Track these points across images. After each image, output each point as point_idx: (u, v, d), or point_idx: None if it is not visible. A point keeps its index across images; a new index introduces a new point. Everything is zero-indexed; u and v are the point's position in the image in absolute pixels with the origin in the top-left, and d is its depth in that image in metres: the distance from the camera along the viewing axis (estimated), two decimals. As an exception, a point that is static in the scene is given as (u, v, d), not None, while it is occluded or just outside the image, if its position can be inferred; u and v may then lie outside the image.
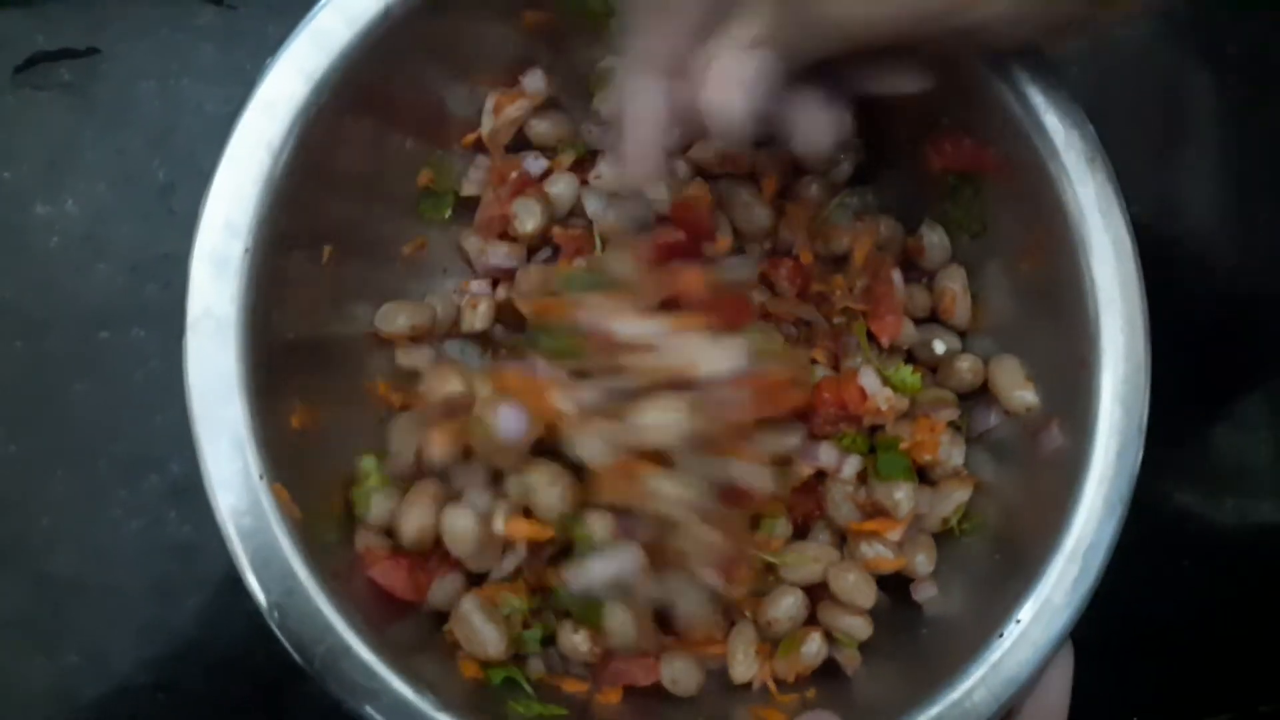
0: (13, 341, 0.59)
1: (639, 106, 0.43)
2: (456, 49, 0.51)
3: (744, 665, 0.50)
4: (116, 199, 0.60)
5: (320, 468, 0.48)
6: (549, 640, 0.50)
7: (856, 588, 0.50)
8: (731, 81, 0.40)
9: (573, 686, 0.50)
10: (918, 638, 0.50)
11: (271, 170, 0.44)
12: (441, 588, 0.48)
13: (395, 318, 0.51)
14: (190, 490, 0.58)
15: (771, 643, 0.51)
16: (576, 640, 0.49)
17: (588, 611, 0.47)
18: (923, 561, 0.51)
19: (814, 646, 0.50)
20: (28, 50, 0.60)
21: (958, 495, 0.52)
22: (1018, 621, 0.45)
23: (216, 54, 0.61)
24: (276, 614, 0.42)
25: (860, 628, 0.50)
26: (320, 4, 0.45)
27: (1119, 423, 0.46)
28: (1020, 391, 0.50)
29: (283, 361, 0.46)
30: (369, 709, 0.42)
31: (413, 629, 0.48)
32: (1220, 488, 0.63)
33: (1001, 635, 0.45)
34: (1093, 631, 0.48)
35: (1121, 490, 0.46)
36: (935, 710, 0.44)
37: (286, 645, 0.42)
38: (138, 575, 0.58)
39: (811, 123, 0.43)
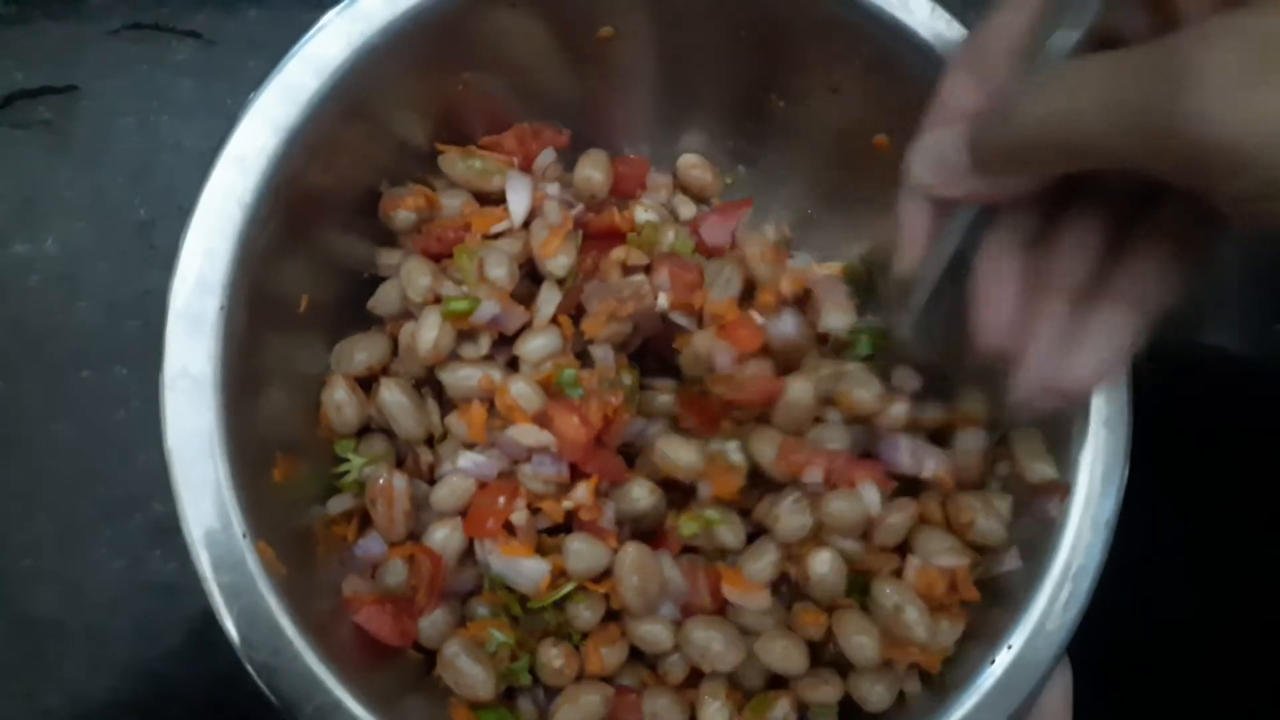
0: (-9, 381, 0.58)
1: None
2: (421, 93, 0.50)
3: (713, 714, 0.49)
4: (96, 236, 0.60)
5: (303, 518, 0.48)
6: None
7: (786, 655, 0.49)
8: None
9: None
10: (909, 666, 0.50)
11: (245, 225, 0.44)
12: (432, 625, 0.48)
13: (352, 355, 0.50)
14: (173, 530, 0.56)
15: (743, 694, 0.50)
16: (552, 655, 0.48)
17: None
18: None
19: (781, 712, 0.49)
20: (7, 88, 0.60)
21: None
22: (1009, 648, 0.45)
23: (195, 89, 0.61)
24: (265, 674, 0.42)
25: (829, 695, 0.49)
26: (288, 56, 0.45)
27: (1104, 444, 0.46)
28: (1040, 464, 0.48)
29: (262, 415, 0.46)
30: None
31: (402, 677, 0.48)
32: (1210, 507, 0.63)
33: (993, 663, 0.45)
34: (1085, 652, 0.48)
35: (1108, 512, 0.46)
36: None
37: (276, 704, 0.42)
38: (120, 615, 0.58)
39: None
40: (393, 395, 0.49)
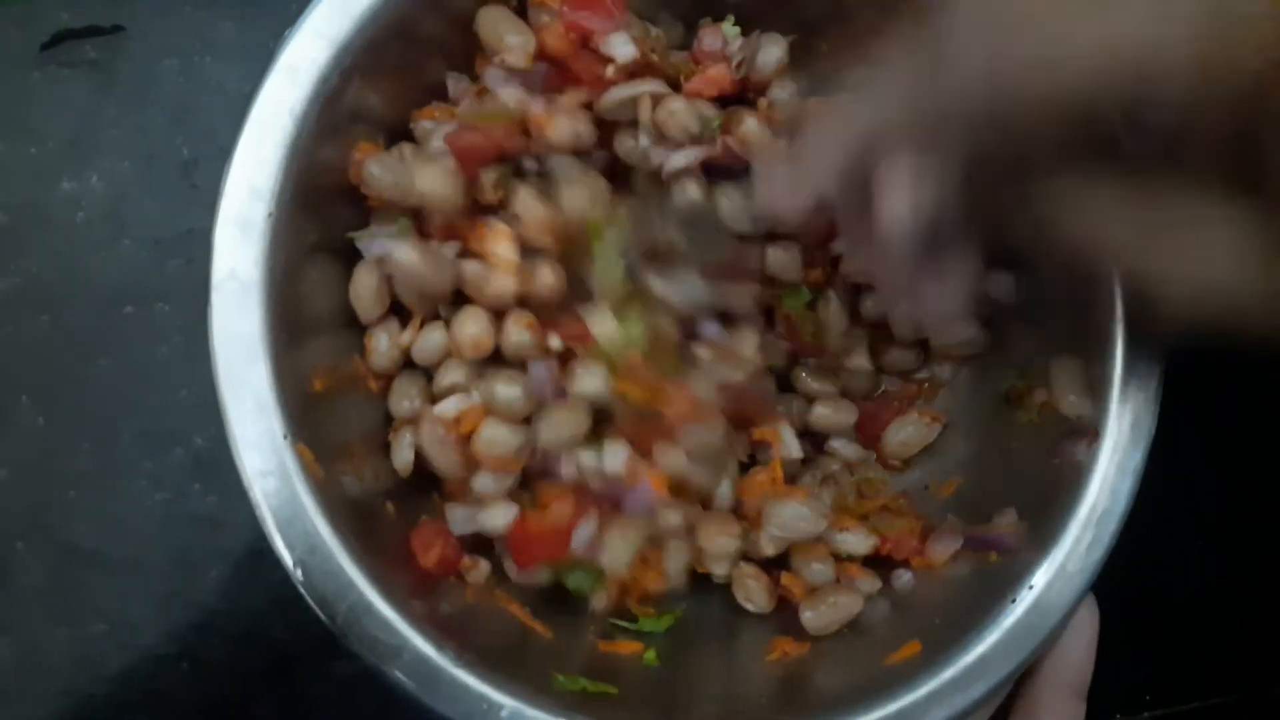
0: (39, 316, 0.60)
1: (822, 152, 0.41)
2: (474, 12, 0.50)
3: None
4: (140, 175, 0.61)
5: (341, 426, 0.48)
6: None
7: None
8: (901, 192, 0.38)
9: (627, 648, 0.50)
10: (931, 601, 0.51)
11: (295, 135, 0.44)
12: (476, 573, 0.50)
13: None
14: (213, 464, 0.59)
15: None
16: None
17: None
18: None
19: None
20: (54, 27, 0.60)
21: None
22: (1030, 587, 0.45)
23: (238, 32, 0.61)
24: (300, 572, 0.43)
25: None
26: None
27: (1134, 389, 0.46)
28: (1076, 398, 0.49)
29: (306, 323, 0.46)
30: (390, 668, 0.43)
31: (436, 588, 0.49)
32: (1236, 468, 0.63)
33: (1014, 601, 0.45)
34: (1105, 611, 0.48)
35: (1136, 459, 0.46)
36: (948, 673, 0.45)
37: (310, 602, 0.43)
38: (161, 547, 0.59)
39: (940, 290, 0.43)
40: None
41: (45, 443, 0.59)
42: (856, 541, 0.51)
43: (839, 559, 0.52)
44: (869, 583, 0.52)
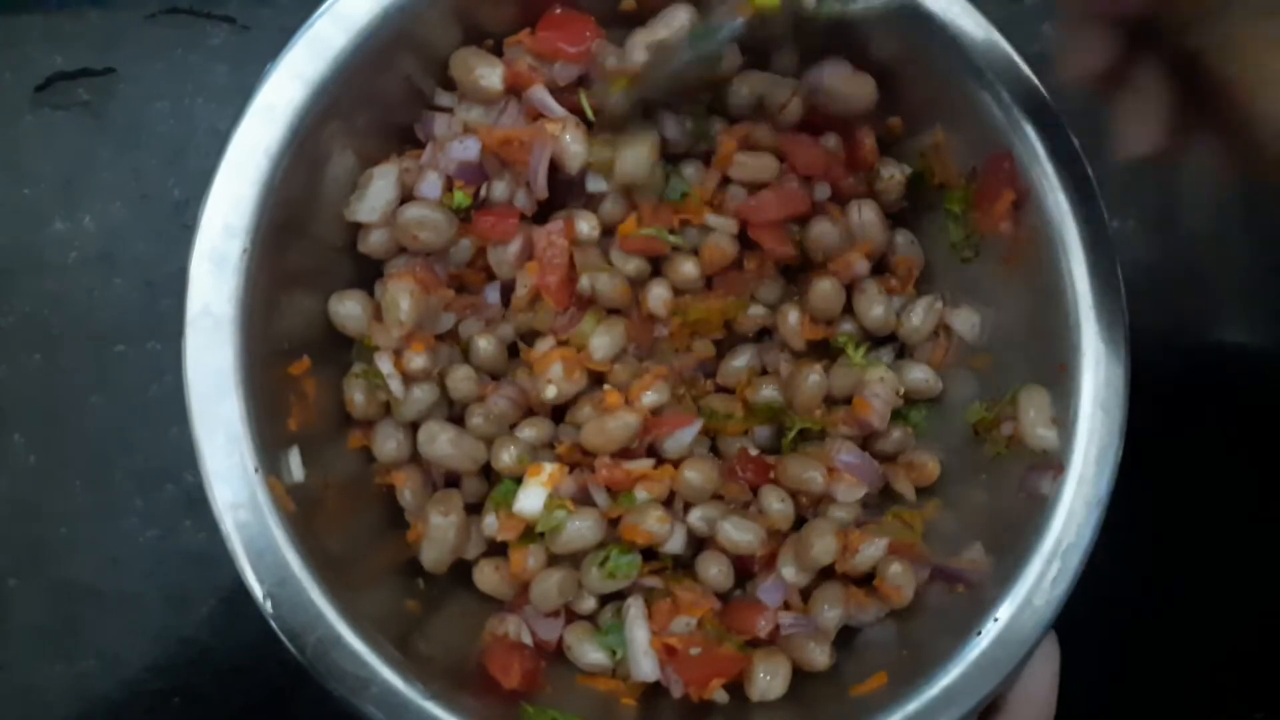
0: (32, 355, 0.60)
1: None
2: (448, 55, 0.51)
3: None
4: (132, 216, 0.61)
5: (315, 462, 0.48)
6: None
7: None
8: None
9: (605, 685, 0.50)
10: (897, 634, 0.51)
11: (270, 174, 0.45)
12: None
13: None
14: (204, 501, 0.59)
15: None
16: None
17: None
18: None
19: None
20: (47, 70, 0.61)
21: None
22: (995, 620, 0.46)
23: (229, 74, 0.62)
24: (270, 604, 0.43)
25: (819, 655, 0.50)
26: (317, 12, 0.46)
27: (1099, 425, 0.47)
28: (1043, 430, 0.48)
29: (279, 358, 0.47)
30: (359, 700, 0.43)
31: (401, 614, 0.49)
32: (1212, 495, 0.63)
33: (980, 633, 0.46)
34: (1086, 639, 0.49)
35: (1100, 492, 0.46)
36: (913, 705, 0.45)
37: (279, 634, 0.43)
38: (153, 583, 0.60)
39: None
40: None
41: (37, 480, 0.60)
42: (874, 550, 0.51)
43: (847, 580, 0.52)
44: (875, 609, 0.51)
